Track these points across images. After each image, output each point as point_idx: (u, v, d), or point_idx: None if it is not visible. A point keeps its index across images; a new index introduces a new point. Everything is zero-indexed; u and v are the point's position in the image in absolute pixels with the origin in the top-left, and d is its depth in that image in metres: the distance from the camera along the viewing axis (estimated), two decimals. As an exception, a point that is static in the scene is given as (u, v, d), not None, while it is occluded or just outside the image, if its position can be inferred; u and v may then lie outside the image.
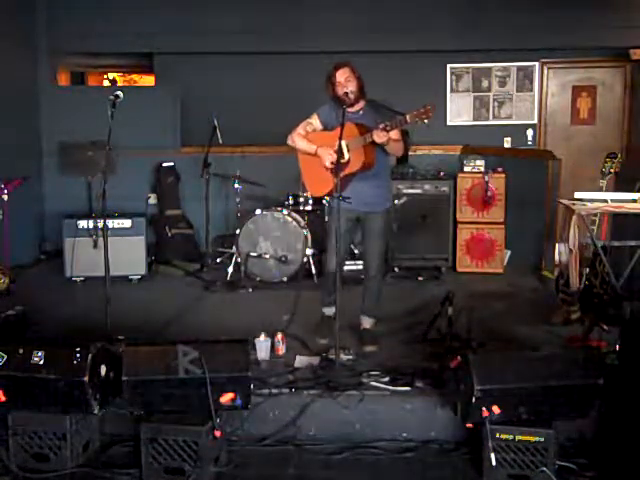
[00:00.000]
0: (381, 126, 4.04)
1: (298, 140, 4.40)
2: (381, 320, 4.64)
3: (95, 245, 6.03)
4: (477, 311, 4.51)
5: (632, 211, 4.53)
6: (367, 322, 4.59)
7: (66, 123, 7.03)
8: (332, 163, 4.17)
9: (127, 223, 6.15)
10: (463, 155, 6.86)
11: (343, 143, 4.10)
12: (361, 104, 4.30)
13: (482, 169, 6.43)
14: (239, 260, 6.05)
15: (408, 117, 3.99)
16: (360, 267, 5.33)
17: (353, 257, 6.06)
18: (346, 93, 4.15)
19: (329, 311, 4.52)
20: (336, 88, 4.22)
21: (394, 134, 4.16)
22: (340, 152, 4.01)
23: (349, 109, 4.19)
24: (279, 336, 4.27)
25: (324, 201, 4.51)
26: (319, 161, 4.31)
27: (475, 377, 3.21)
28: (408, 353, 4.25)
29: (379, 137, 4.05)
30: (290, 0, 7.38)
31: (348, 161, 4.19)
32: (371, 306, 4.57)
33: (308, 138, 4.38)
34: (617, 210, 4.53)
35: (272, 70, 7.49)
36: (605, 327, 4.27)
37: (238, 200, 6.57)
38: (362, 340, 4.48)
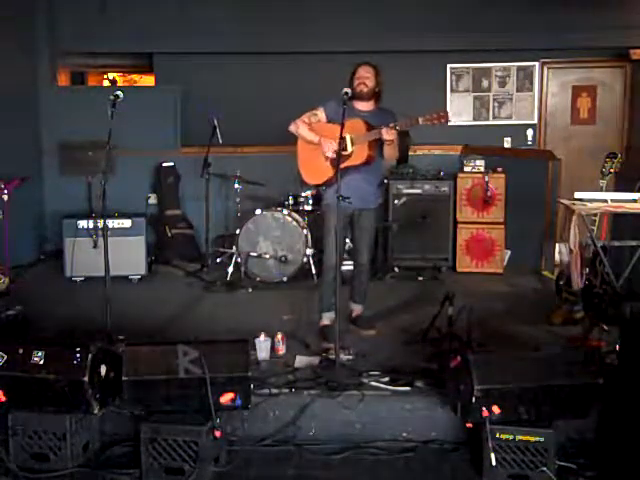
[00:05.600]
0: (391, 124, 4.20)
1: (302, 127, 4.47)
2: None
3: (95, 245, 6.03)
4: (477, 311, 4.50)
5: (632, 211, 4.53)
6: (357, 309, 4.77)
7: (66, 123, 7.03)
8: (334, 152, 4.25)
9: (127, 223, 6.15)
10: (463, 155, 6.86)
11: (348, 137, 4.27)
12: (372, 105, 4.44)
13: (482, 169, 6.44)
14: (239, 260, 6.05)
15: (421, 119, 4.14)
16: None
17: (350, 256, 6.05)
18: (345, 92, 4.13)
19: (329, 317, 4.52)
20: (354, 82, 4.36)
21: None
22: (342, 140, 4.09)
23: (359, 106, 4.37)
24: (279, 336, 4.27)
25: (321, 189, 4.57)
26: (318, 150, 4.40)
27: (475, 377, 3.21)
28: (408, 353, 4.25)
29: (388, 134, 4.18)
30: (290, 0, 7.38)
31: (351, 154, 4.32)
32: (361, 294, 4.75)
33: (312, 128, 4.46)
34: (617, 210, 4.52)
35: (272, 70, 7.49)
36: (605, 327, 4.27)
37: (238, 200, 6.57)
38: (359, 325, 4.63)
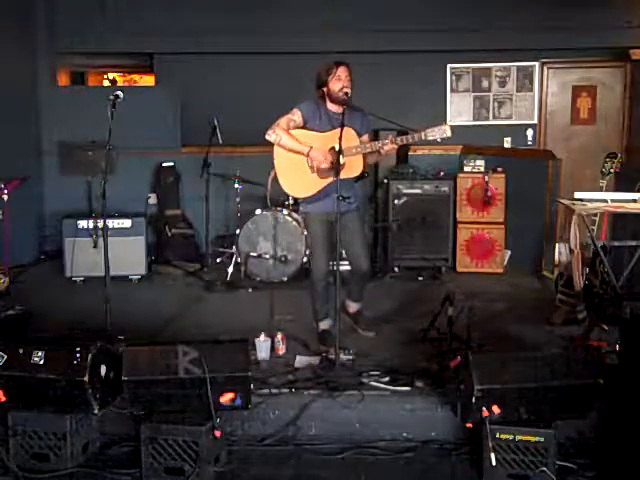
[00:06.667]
0: (390, 137, 4.06)
1: (285, 138, 4.13)
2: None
3: (95, 245, 6.03)
4: (477, 311, 4.51)
5: (632, 211, 4.53)
6: (354, 306, 4.68)
7: (66, 123, 7.03)
8: (332, 163, 4.09)
9: (127, 223, 6.16)
10: (463, 155, 6.87)
11: (336, 147, 4.00)
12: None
13: (482, 169, 6.45)
14: (239, 260, 6.05)
15: (423, 134, 3.99)
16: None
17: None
18: (346, 92, 4.10)
19: (327, 323, 4.49)
20: (334, 83, 4.12)
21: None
22: (339, 153, 3.94)
23: (332, 108, 4.19)
24: (279, 336, 4.27)
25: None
26: (301, 161, 4.18)
27: (475, 377, 3.20)
28: (408, 353, 4.25)
29: (390, 148, 4.07)
30: (290, 1, 7.38)
31: (343, 166, 4.02)
32: (358, 293, 4.63)
33: (294, 137, 4.17)
34: (617, 210, 4.53)
35: (272, 70, 7.49)
36: (605, 327, 4.27)
37: (238, 200, 6.57)
38: (359, 325, 4.61)
